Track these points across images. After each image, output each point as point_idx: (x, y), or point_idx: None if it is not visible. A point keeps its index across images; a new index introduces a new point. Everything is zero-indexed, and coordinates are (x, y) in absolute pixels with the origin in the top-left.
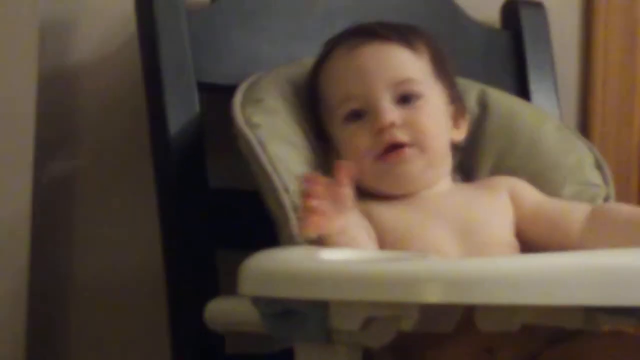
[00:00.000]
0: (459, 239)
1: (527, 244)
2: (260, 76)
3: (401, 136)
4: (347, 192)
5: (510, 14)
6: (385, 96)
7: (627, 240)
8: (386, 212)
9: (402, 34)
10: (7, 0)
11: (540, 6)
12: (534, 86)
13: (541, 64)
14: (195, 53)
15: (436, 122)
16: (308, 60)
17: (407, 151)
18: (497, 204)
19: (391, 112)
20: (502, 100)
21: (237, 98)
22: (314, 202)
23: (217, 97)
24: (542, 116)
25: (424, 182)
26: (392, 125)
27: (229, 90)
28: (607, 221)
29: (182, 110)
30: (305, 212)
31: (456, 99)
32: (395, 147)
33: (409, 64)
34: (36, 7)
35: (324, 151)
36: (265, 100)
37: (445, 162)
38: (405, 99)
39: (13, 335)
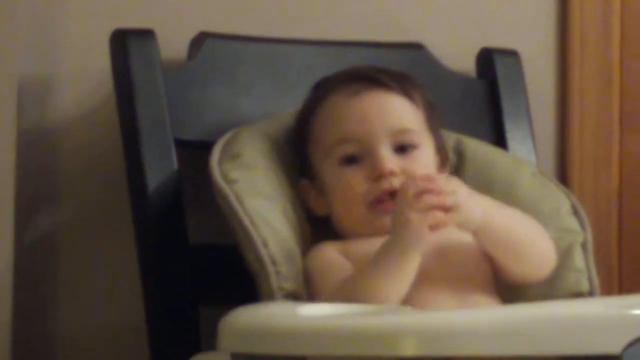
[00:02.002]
0: (437, 261)
1: None
2: (238, 132)
3: (397, 184)
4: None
5: (485, 63)
6: (385, 143)
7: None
8: (363, 249)
9: (401, 83)
10: None
11: (514, 54)
12: (510, 134)
13: (517, 111)
14: (172, 110)
15: (429, 172)
16: (285, 115)
17: None
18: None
19: (391, 160)
20: (478, 148)
21: (215, 154)
22: (434, 199)
23: (195, 153)
24: (518, 163)
25: None
26: (392, 173)
27: (207, 147)
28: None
29: (159, 167)
30: (425, 210)
31: (441, 148)
32: (392, 194)
33: (408, 114)
34: (15, 66)
35: (304, 200)
36: (242, 155)
37: None
38: (402, 148)
39: None
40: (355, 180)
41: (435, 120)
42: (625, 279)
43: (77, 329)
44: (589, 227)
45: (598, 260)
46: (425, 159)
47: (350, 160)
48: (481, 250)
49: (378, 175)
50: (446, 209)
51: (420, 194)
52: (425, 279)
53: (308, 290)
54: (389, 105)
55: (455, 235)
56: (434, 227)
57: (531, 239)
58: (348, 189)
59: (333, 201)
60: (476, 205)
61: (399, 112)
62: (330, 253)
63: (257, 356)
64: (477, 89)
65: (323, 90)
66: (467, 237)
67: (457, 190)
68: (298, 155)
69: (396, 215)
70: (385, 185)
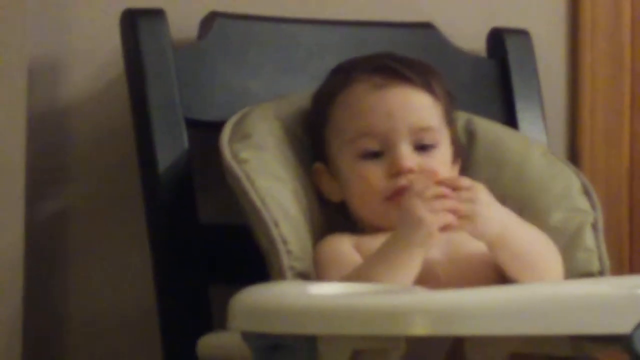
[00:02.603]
0: (445, 255)
1: None
2: (248, 112)
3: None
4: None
5: (496, 43)
6: (406, 140)
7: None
8: (377, 245)
9: (424, 76)
10: None
11: (525, 34)
12: (521, 114)
13: (528, 91)
14: (182, 90)
15: (446, 171)
16: (296, 96)
17: None
18: None
19: (410, 158)
20: (489, 128)
21: (225, 134)
22: (449, 203)
23: (206, 133)
24: (529, 143)
25: None
26: (410, 171)
27: (217, 126)
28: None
29: (170, 147)
30: (439, 211)
31: (455, 140)
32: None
33: (431, 111)
34: (25, 47)
35: (314, 184)
36: (253, 135)
37: None
38: (422, 146)
39: None
40: (374, 175)
41: (452, 112)
42: (636, 259)
43: (88, 309)
44: (600, 207)
45: (608, 241)
46: (442, 156)
47: (372, 154)
48: (492, 260)
49: (397, 172)
50: (460, 214)
51: (438, 195)
52: (431, 281)
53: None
54: (413, 101)
55: (467, 240)
56: (443, 229)
57: (545, 258)
58: (366, 182)
59: (349, 191)
60: (495, 217)
61: (421, 109)
62: (342, 246)
63: (267, 335)
64: (488, 69)
65: (345, 77)
66: (479, 245)
67: (478, 199)
68: (312, 138)
69: (407, 210)
70: (403, 182)
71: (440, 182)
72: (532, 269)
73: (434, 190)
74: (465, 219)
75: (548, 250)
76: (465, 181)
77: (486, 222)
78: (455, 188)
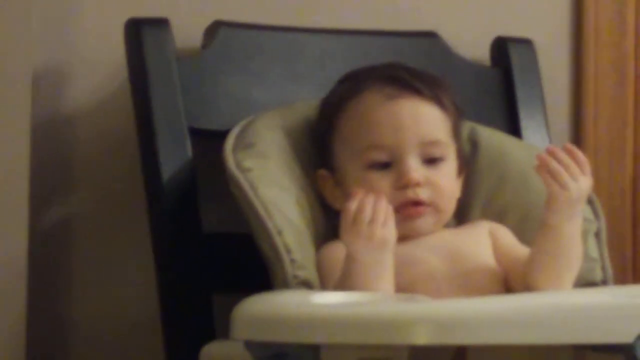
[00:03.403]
0: (447, 267)
1: None
2: (252, 120)
3: (422, 195)
4: (390, 208)
5: (499, 52)
6: (414, 153)
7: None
8: None
9: (434, 89)
10: (0, 50)
11: (529, 43)
12: (525, 122)
13: (531, 100)
14: (186, 99)
15: (452, 184)
16: (300, 105)
17: (424, 210)
18: (479, 238)
19: (418, 171)
20: (492, 137)
21: (229, 143)
22: (366, 214)
23: (209, 142)
24: (533, 152)
25: (426, 233)
26: (417, 184)
27: (221, 135)
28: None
29: (174, 156)
30: (356, 224)
31: (461, 153)
32: (415, 203)
33: (440, 125)
34: (30, 55)
35: (317, 191)
36: (256, 144)
37: (449, 216)
38: (430, 159)
39: None
40: (381, 187)
41: (460, 125)
42: (639, 269)
43: (91, 316)
44: (603, 216)
45: (612, 250)
46: (449, 170)
47: (378, 165)
48: (495, 271)
49: (404, 184)
50: (562, 181)
51: (356, 209)
52: (432, 291)
53: None
54: (422, 114)
55: (469, 251)
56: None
57: (572, 275)
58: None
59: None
60: (579, 209)
61: (431, 122)
62: (339, 253)
63: (270, 344)
64: (492, 78)
65: (355, 85)
66: (481, 255)
67: (583, 184)
68: (318, 145)
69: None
70: (410, 194)
71: (568, 150)
72: (558, 273)
73: (347, 205)
74: (564, 187)
75: (576, 269)
76: (587, 165)
77: (573, 204)
78: (576, 161)
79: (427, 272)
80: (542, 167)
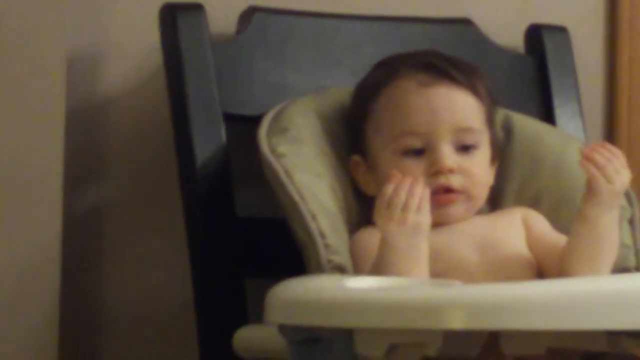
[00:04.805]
0: (480, 255)
1: None
2: (286, 106)
3: (455, 182)
4: (426, 192)
5: (534, 39)
6: (448, 140)
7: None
8: None
9: (469, 76)
10: (34, 36)
11: (564, 30)
12: (559, 110)
13: (566, 88)
14: (220, 84)
15: (485, 172)
16: (334, 90)
17: (457, 197)
18: (512, 225)
19: (451, 158)
20: (526, 124)
21: (263, 128)
22: (400, 199)
23: (243, 127)
24: (567, 139)
25: (458, 220)
26: (450, 171)
27: (255, 121)
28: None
29: (208, 141)
30: (390, 209)
31: (495, 140)
32: (447, 190)
33: (474, 112)
34: (63, 42)
35: (350, 177)
36: (290, 129)
37: (481, 203)
38: (463, 146)
39: None
40: (414, 173)
41: (494, 113)
42: None
43: (124, 302)
44: (637, 203)
45: None
46: (483, 158)
47: (412, 151)
48: (528, 260)
49: (437, 171)
50: (607, 172)
51: (391, 192)
52: (464, 271)
53: None
54: (457, 101)
55: (502, 240)
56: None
57: (608, 264)
58: None
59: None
60: (617, 202)
61: (465, 109)
62: (373, 239)
63: (304, 328)
64: (526, 65)
65: (390, 71)
66: (514, 244)
67: (624, 177)
68: (352, 130)
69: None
70: (443, 181)
71: (606, 147)
72: (596, 264)
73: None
74: (610, 180)
75: (612, 258)
76: (624, 159)
77: (615, 197)
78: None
79: (459, 260)
80: (587, 161)
